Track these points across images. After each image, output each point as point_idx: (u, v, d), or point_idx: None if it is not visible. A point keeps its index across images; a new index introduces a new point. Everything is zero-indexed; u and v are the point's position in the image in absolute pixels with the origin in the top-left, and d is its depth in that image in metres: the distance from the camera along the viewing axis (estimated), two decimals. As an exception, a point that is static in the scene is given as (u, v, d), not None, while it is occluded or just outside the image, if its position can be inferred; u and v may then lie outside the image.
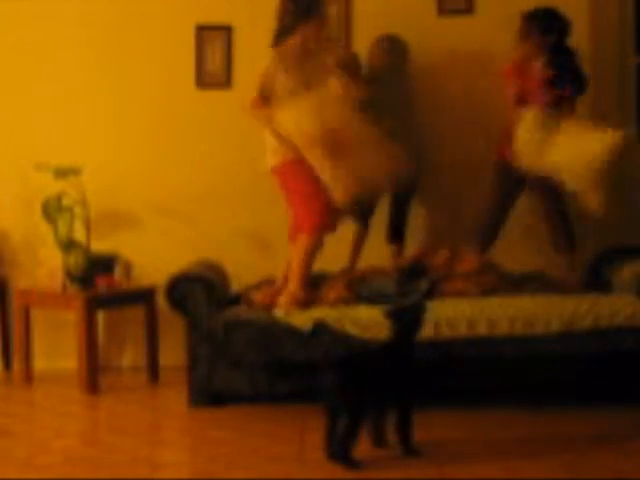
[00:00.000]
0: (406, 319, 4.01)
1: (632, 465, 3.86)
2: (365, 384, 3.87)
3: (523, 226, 5.55)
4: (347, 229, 5.42)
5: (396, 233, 5.48)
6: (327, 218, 4.83)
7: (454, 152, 5.67)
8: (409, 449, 4.00)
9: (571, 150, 4.88)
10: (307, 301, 4.79)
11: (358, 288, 4.93)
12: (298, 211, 4.90)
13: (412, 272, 4.99)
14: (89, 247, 5.47)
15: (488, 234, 5.36)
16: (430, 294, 4.82)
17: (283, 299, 4.77)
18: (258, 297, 4.92)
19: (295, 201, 4.91)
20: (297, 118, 4.63)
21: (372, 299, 4.80)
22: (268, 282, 5.22)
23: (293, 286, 4.82)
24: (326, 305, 4.79)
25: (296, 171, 4.83)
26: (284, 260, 5.22)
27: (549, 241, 5.39)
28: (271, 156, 4.93)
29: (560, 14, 5.18)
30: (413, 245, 5.55)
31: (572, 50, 5.22)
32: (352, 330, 4.59)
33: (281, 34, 4.88)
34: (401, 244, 5.48)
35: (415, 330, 4.04)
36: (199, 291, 4.79)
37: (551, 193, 5.25)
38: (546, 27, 5.14)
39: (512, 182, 5.23)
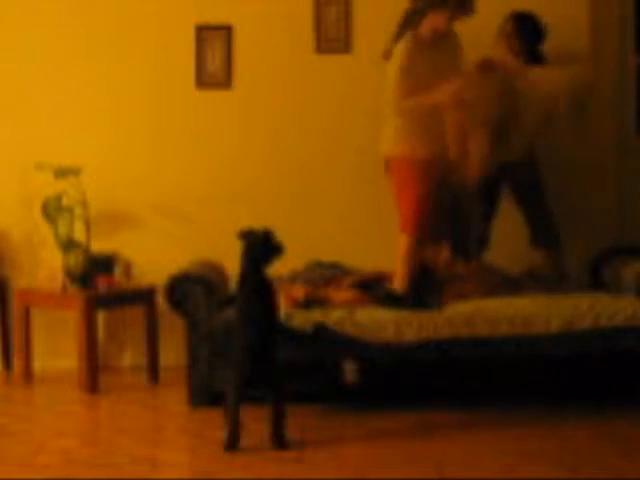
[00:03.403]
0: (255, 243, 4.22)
1: (632, 465, 3.86)
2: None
3: (517, 224, 5.54)
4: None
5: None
6: (420, 220, 4.81)
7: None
8: (279, 440, 4.06)
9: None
10: (311, 301, 4.80)
11: (373, 291, 4.92)
12: (404, 210, 4.84)
13: (418, 275, 4.97)
14: (89, 247, 5.46)
15: (481, 237, 5.38)
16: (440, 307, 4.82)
17: (282, 300, 4.78)
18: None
19: (405, 199, 4.83)
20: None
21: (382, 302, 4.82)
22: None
23: (398, 283, 4.81)
24: (333, 307, 4.79)
25: (419, 171, 4.79)
26: (285, 259, 5.22)
27: (531, 236, 5.38)
28: (395, 146, 4.85)
29: (539, 20, 5.23)
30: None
31: (544, 57, 5.28)
32: (353, 332, 4.60)
33: (412, 16, 4.78)
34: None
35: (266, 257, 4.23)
36: (199, 291, 4.79)
37: (526, 185, 5.27)
38: (528, 30, 5.24)
39: (490, 179, 5.26)
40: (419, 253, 4.88)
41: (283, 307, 4.69)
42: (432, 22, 4.76)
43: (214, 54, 5.78)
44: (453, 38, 4.91)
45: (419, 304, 4.74)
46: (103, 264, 5.46)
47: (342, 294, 4.91)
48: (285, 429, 4.08)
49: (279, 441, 4.06)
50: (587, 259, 5.48)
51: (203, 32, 5.78)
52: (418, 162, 4.80)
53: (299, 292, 4.85)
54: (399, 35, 4.84)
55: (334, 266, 5.36)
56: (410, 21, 4.82)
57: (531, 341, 4.61)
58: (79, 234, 5.51)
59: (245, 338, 4.10)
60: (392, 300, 4.77)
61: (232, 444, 4.04)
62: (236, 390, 4.05)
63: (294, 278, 5.21)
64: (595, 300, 4.73)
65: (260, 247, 4.23)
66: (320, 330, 4.59)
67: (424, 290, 4.86)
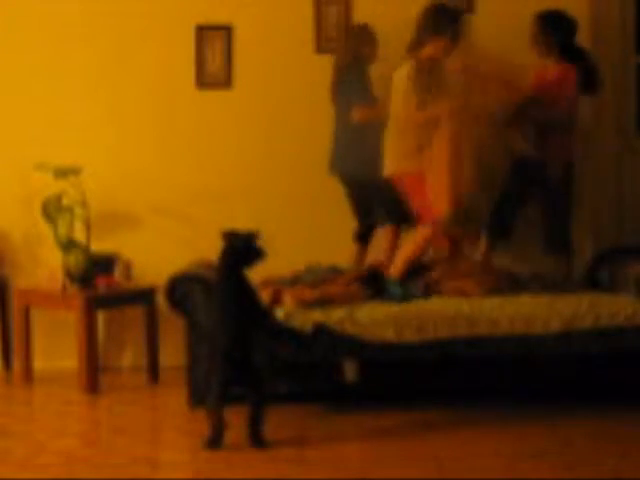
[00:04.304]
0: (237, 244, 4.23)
1: (632, 465, 3.86)
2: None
3: (524, 226, 5.56)
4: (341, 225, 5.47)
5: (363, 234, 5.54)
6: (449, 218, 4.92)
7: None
8: (256, 439, 4.09)
9: None
10: (314, 301, 4.81)
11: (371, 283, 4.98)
12: (421, 213, 4.99)
13: (410, 271, 5.01)
14: (89, 247, 5.46)
15: (501, 226, 5.40)
16: (426, 295, 4.85)
17: (288, 298, 4.79)
18: (263, 296, 4.90)
19: (418, 207, 4.99)
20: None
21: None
22: (272, 281, 5.21)
23: (396, 268, 4.95)
24: (336, 304, 4.81)
25: (418, 179, 4.94)
26: (284, 260, 5.23)
27: (543, 241, 5.38)
28: (397, 164, 5.00)
29: (567, 15, 5.26)
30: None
31: (582, 50, 5.27)
32: (353, 331, 4.60)
33: (415, 45, 5.02)
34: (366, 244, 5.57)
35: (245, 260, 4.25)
36: (199, 291, 4.79)
37: (553, 191, 5.28)
38: (552, 27, 5.22)
39: (527, 176, 5.29)
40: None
41: (290, 306, 4.71)
42: (430, 50, 4.98)
43: (214, 54, 5.78)
44: (443, 68, 5.05)
45: (404, 292, 4.85)
46: (103, 264, 5.46)
47: (341, 288, 4.92)
48: (263, 428, 4.10)
49: (257, 440, 4.09)
50: (587, 259, 5.48)
51: (203, 32, 5.78)
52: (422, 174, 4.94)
53: (308, 293, 4.85)
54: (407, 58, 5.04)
55: (334, 269, 5.36)
56: (413, 49, 5.02)
57: (531, 341, 4.61)
58: (79, 234, 5.51)
59: (220, 342, 4.14)
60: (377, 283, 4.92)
61: (214, 443, 4.10)
62: (216, 392, 4.08)
63: (296, 280, 5.21)
64: (595, 300, 4.73)
65: (240, 250, 4.23)
66: (320, 330, 4.59)
67: (409, 279, 4.93)
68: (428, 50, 4.98)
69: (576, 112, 5.29)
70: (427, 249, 5.06)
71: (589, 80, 5.26)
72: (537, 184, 5.30)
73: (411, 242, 5.02)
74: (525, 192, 5.37)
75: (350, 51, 5.39)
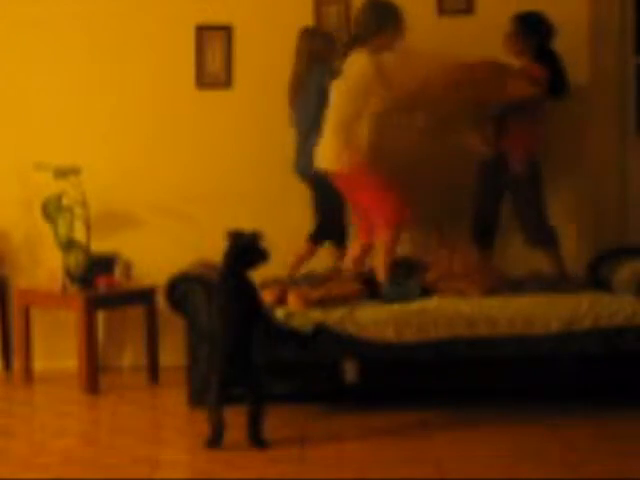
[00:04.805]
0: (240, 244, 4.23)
1: (632, 465, 3.86)
2: None
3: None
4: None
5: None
6: (402, 213, 4.95)
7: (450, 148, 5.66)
8: (256, 439, 4.09)
9: None
10: (318, 300, 4.82)
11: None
12: (387, 208, 4.96)
13: (404, 269, 5.02)
14: (89, 247, 5.47)
15: (484, 231, 5.40)
16: (423, 295, 4.85)
17: (293, 298, 4.80)
18: (266, 296, 4.90)
19: (384, 199, 4.96)
20: None
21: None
22: (276, 281, 5.21)
23: (381, 276, 4.95)
24: (335, 302, 4.82)
25: (363, 173, 4.94)
26: (285, 260, 5.23)
27: (524, 235, 5.36)
28: (335, 161, 4.99)
29: (545, 18, 5.24)
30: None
31: (555, 54, 5.26)
32: (353, 331, 4.60)
33: (355, 41, 5.03)
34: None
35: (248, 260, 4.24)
36: (199, 291, 4.79)
37: (519, 186, 5.27)
38: (531, 29, 5.22)
39: (495, 175, 5.31)
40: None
41: (294, 306, 4.72)
42: (376, 45, 4.98)
43: (214, 54, 5.78)
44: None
45: (399, 290, 4.86)
46: (103, 264, 5.46)
47: (343, 288, 4.93)
48: (263, 428, 4.10)
49: (257, 440, 4.09)
50: (588, 259, 5.48)
51: (203, 32, 5.78)
52: (364, 165, 4.94)
53: (312, 293, 4.86)
54: (345, 55, 5.07)
55: (333, 272, 5.37)
56: (353, 45, 5.03)
57: (531, 341, 4.61)
58: (79, 234, 5.51)
59: (221, 341, 4.14)
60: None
61: (214, 443, 4.10)
62: (216, 392, 4.09)
63: (295, 281, 5.21)
64: (595, 300, 4.73)
65: (244, 250, 4.23)
66: (320, 330, 4.59)
67: (403, 275, 4.94)
68: (375, 44, 4.96)
69: (542, 111, 5.28)
70: (396, 245, 5.00)
71: (558, 83, 5.25)
72: (504, 180, 5.30)
73: (379, 250, 4.98)
74: (498, 190, 5.37)
75: (312, 54, 5.38)
